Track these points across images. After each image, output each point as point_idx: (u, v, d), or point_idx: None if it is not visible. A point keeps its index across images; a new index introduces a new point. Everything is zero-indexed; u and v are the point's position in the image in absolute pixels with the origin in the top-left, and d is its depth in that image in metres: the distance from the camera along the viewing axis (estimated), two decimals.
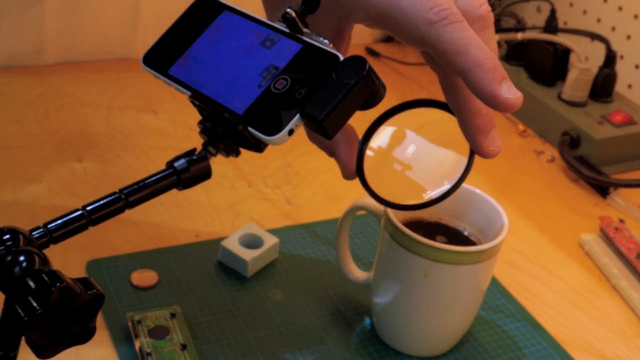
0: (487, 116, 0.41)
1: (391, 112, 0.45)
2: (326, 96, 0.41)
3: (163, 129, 0.83)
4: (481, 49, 0.38)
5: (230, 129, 0.42)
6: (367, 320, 0.61)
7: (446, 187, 0.43)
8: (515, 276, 0.69)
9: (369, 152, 0.45)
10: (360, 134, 0.45)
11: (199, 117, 0.44)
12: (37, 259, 0.38)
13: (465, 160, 0.42)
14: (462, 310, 0.57)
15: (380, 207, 0.57)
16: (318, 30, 0.41)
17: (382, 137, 0.46)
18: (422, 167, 0.45)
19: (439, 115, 0.44)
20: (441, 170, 0.45)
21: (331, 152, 0.47)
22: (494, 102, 0.37)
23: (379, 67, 1.03)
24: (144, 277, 0.61)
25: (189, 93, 0.44)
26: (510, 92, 0.37)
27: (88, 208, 0.42)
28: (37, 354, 0.39)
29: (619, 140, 0.87)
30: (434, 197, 0.43)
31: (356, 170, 0.44)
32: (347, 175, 0.46)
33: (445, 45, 0.38)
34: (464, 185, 0.60)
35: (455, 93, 0.42)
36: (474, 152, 0.42)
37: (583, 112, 0.89)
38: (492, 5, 1.02)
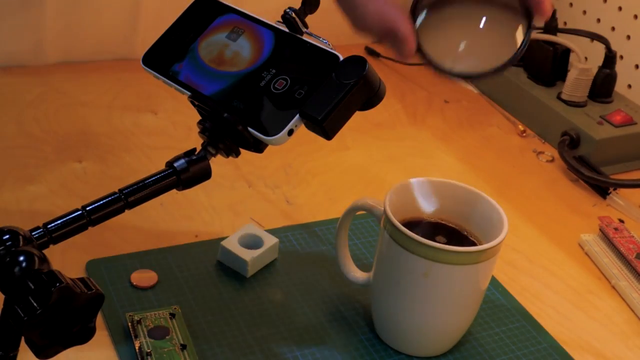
0: None
1: None
2: (326, 96, 0.41)
3: (163, 129, 0.83)
4: None
5: (230, 129, 0.42)
6: (367, 320, 0.61)
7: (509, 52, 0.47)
8: (515, 276, 0.69)
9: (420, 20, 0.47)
10: None
11: (198, 117, 0.44)
12: (36, 259, 0.39)
13: (521, 19, 0.46)
14: (462, 310, 0.57)
15: (379, 208, 0.57)
16: None
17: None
18: (476, 33, 0.48)
19: None
20: (496, 35, 0.48)
21: (386, 32, 0.47)
22: None
23: (379, 67, 1.03)
24: (143, 277, 0.61)
25: (189, 93, 0.44)
26: None
27: (88, 208, 0.42)
28: (37, 354, 0.39)
29: (619, 140, 0.87)
30: (501, 63, 0.47)
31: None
32: (408, 52, 0.46)
33: None
34: (464, 185, 0.61)
35: None
36: (530, 11, 0.44)
37: (583, 112, 0.89)
38: None
